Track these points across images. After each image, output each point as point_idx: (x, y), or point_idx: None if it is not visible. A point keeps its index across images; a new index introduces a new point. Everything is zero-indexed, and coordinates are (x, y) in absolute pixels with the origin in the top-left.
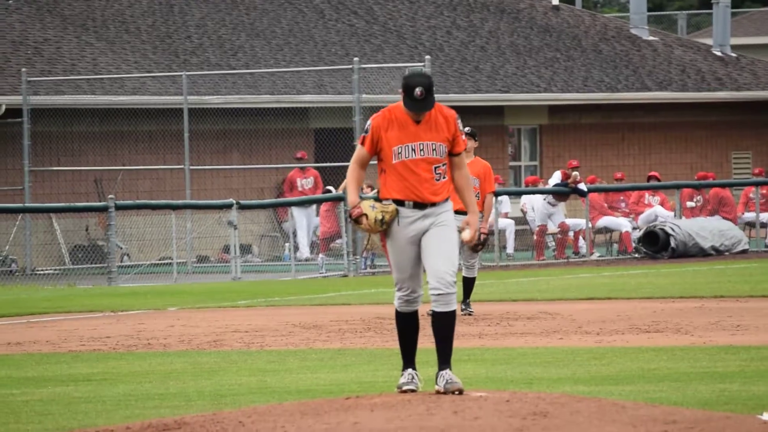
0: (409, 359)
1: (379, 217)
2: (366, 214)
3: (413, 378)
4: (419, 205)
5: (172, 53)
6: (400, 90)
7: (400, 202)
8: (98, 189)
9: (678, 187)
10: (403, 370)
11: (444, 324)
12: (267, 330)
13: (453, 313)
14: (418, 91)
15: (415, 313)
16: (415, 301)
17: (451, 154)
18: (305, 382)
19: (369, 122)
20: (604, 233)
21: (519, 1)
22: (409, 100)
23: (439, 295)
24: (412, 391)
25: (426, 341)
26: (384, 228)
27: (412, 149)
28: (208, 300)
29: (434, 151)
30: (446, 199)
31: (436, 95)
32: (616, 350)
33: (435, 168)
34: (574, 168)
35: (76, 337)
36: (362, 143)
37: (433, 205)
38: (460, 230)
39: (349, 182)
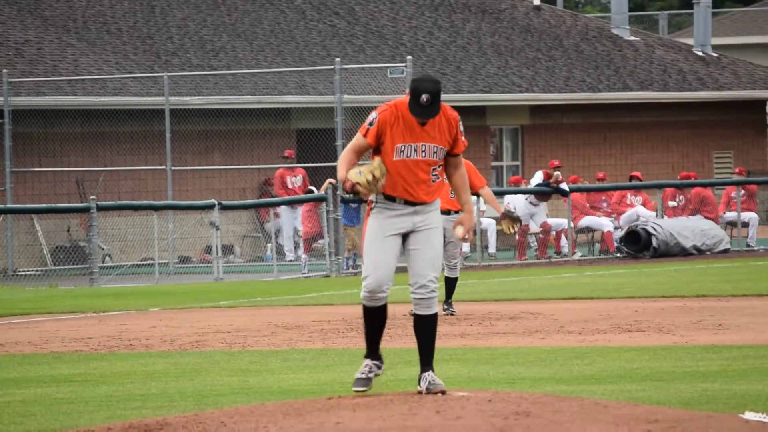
0: (371, 349)
1: (369, 178)
2: (358, 182)
3: (370, 369)
4: (410, 203)
5: (154, 54)
6: (407, 91)
7: (391, 198)
8: (80, 190)
9: (660, 186)
10: (364, 358)
11: (426, 327)
12: (249, 330)
13: (435, 316)
14: (424, 97)
15: (382, 308)
16: (380, 298)
17: (450, 154)
18: (287, 383)
19: (375, 114)
20: (586, 233)
21: (500, 1)
22: (415, 105)
23: (421, 299)
24: (363, 391)
25: (409, 341)
26: (382, 182)
27: (414, 150)
28: (190, 301)
29: (435, 153)
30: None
31: None
32: (598, 350)
33: (432, 170)
34: (556, 168)
35: (57, 338)
36: (365, 134)
37: (423, 203)
38: (454, 227)
39: (341, 163)
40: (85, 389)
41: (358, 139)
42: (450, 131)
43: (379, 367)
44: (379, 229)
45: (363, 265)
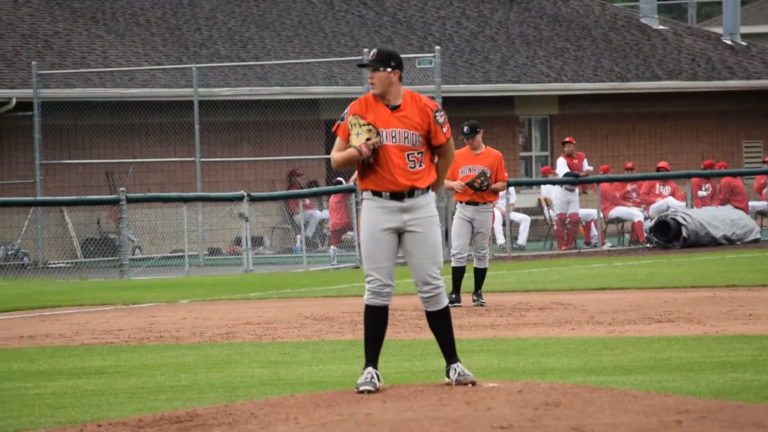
0: (370, 357)
1: (364, 139)
2: (360, 146)
3: (372, 378)
4: (396, 195)
5: (182, 45)
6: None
7: (377, 194)
8: (109, 182)
9: (688, 176)
10: (364, 367)
11: (440, 322)
12: (279, 322)
13: (446, 310)
14: (372, 52)
15: (384, 309)
16: (384, 295)
17: (432, 146)
18: (317, 374)
19: (346, 110)
20: (616, 223)
21: None
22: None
23: (428, 297)
24: (369, 392)
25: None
26: (376, 139)
27: (385, 135)
28: (219, 292)
29: (406, 138)
30: (425, 191)
31: (446, 85)
32: (628, 340)
33: (408, 155)
34: (567, 143)
35: (88, 330)
36: (335, 130)
37: (411, 195)
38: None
39: (334, 157)
40: (116, 381)
41: (337, 141)
42: (423, 118)
43: (379, 379)
44: (371, 226)
45: (363, 266)
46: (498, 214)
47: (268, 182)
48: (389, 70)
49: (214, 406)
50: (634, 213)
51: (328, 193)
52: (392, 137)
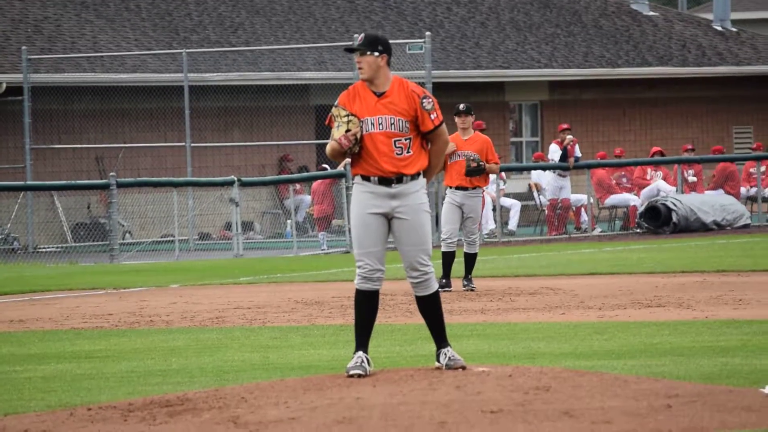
0: (361, 341)
1: (344, 131)
2: (340, 138)
3: (362, 362)
4: (384, 181)
5: (172, 31)
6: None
7: (366, 178)
8: (99, 167)
9: (678, 162)
10: (354, 352)
11: (430, 306)
12: (269, 306)
13: (435, 294)
14: (359, 37)
15: (374, 293)
16: (375, 280)
17: (421, 133)
18: (307, 358)
19: (336, 102)
20: (610, 210)
21: None
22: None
23: (417, 282)
24: (359, 376)
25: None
26: (356, 129)
27: (372, 123)
28: (210, 277)
29: (392, 125)
30: (414, 177)
31: (437, 71)
32: (618, 325)
33: (395, 142)
34: (565, 130)
35: (78, 314)
36: (328, 123)
37: (399, 181)
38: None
39: (327, 149)
40: (106, 365)
41: (332, 132)
42: (410, 104)
43: (369, 363)
44: (361, 210)
45: (354, 251)
46: (488, 199)
47: (259, 167)
48: (377, 54)
49: (204, 390)
50: (630, 198)
51: (319, 178)
52: (378, 124)
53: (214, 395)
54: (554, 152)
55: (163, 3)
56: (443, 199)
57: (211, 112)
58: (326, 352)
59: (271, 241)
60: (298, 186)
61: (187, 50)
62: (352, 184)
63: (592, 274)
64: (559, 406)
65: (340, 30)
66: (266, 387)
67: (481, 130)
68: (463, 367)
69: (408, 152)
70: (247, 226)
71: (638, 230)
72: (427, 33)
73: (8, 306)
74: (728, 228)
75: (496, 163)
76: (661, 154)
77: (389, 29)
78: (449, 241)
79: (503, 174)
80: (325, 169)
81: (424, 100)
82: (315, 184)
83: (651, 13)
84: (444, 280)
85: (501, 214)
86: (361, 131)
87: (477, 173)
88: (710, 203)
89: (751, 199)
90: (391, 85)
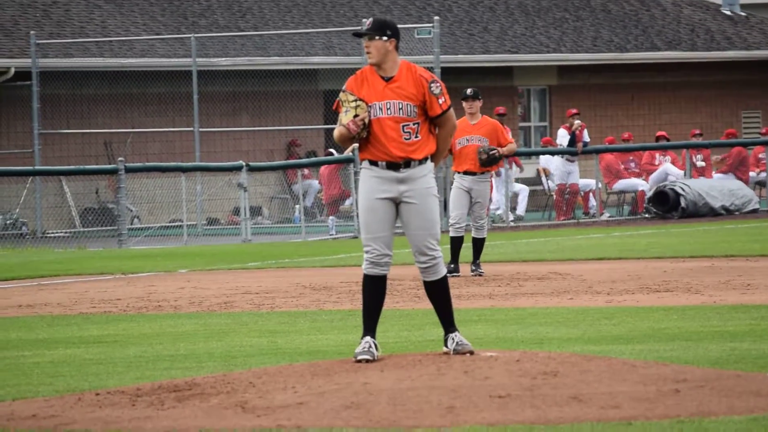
0: (369, 326)
1: (352, 116)
2: (348, 123)
3: (370, 347)
4: (392, 165)
5: (181, 15)
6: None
7: (374, 163)
8: (108, 151)
9: (687, 147)
10: (362, 337)
11: (438, 291)
12: (277, 291)
13: (443, 280)
14: (366, 21)
15: (382, 278)
16: (383, 265)
17: (429, 117)
18: (316, 343)
19: (343, 87)
20: (618, 195)
21: None
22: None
23: (425, 267)
24: (367, 361)
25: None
26: (364, 115)
27: (380, 108)
28: (218, 262)
29: (401, 110)
30: (422, 162)
31: (445, 56)
32: (626, 310)
33: (403, 126)
34: (574, 115)
35: (86, 299)
36: (335, 108)
37: (408, 166)
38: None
39: (335, 134)
40: (114, 350)
41: (339, 118)
42: (418, 89)
43: (377, 348)
44: (368, 195)
45: (362, 236)
46: (495, 184)
47: (267, 152)
48: (385, 38)
49: (212, 375)
50: (638, 183)
51: (327, 163)
52: (387, 109)
53: (222, 380)
54: (563, 137)
55: None
56: (451, 184)
57: (220, 97)
58: (334, 337)
59: (279, 226)
60: (306, 171)
61: (196, 35)
62: (360, 168)
63: (600, 259)
64: (567, 391)
65: (349, 14)
66: (274, 372)
67: (500, 115)
68: (471, 352)
69: (416, 137)
70: (255, 211)
71: (646, 215)
72: (436, 17)
73: (17, 291)
74: (737, 213)
75: (510, 143)
76: (666, 138)
77: (398, 14)
78: (458, 226)
79: (520, 161)
80: (332, 154)
81: (432, 85)
82: (322, 168)
83: None
84: (452, 265)
85: (510, 200)
86: (369, 116)
87: (492, 163)
88: (719, 188)
89: (760, 184)
90: (399, 69)
